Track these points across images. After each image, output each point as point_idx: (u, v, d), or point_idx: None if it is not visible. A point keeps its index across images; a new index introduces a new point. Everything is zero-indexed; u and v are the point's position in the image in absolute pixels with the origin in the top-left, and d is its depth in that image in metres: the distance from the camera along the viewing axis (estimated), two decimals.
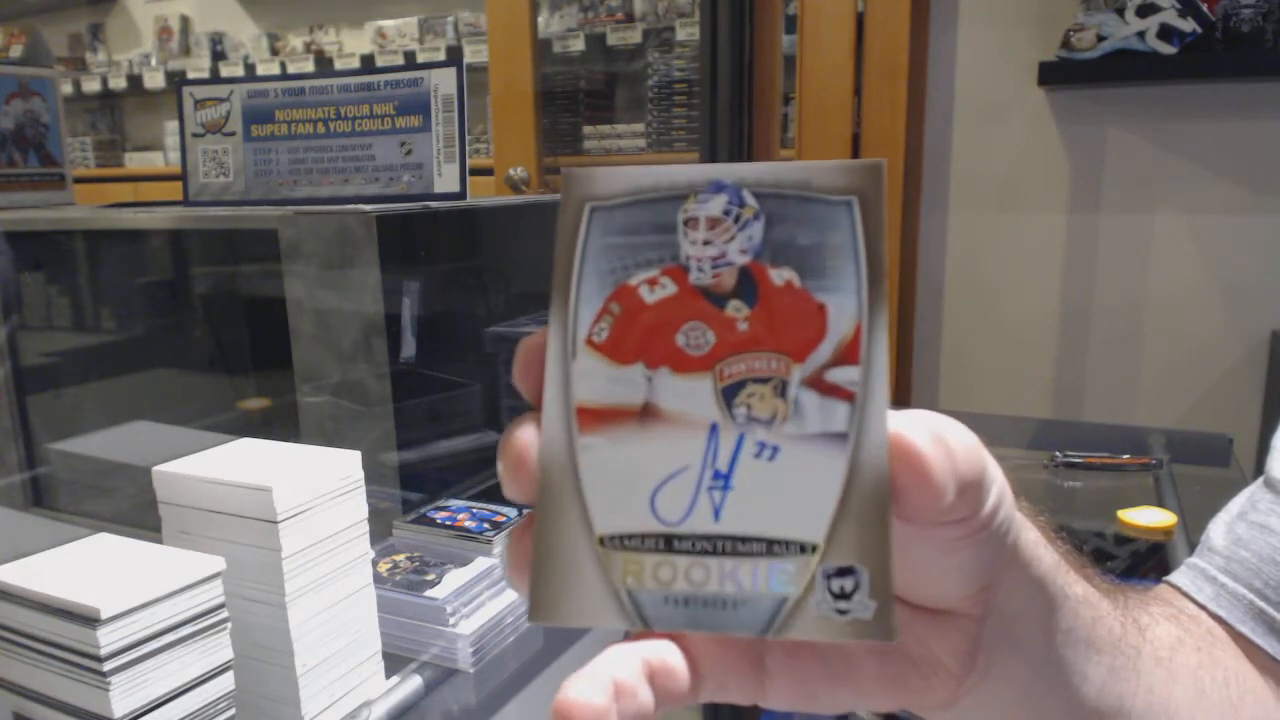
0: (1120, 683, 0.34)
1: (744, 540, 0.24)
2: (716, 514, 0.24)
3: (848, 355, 0.24)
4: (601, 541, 0.24)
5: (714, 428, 0.24)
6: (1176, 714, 0.37)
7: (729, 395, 0.24)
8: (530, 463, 0.24)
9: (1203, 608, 0.46)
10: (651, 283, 0.25)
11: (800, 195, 0.25)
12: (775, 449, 0.24)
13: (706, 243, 0.25)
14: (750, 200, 0.25)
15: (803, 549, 0.23)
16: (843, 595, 0.23)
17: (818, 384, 0.24)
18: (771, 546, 0.23)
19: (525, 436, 0.24)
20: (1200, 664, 0.41)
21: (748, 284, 0.25)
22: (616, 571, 0.24)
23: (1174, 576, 0.49)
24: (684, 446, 0.24)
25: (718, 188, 0.25)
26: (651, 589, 0.24)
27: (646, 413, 0.24)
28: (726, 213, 0.25)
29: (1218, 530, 0.49)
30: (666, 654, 0.26)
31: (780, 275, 0.24)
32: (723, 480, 0.24)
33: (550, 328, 0.25)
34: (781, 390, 0.24)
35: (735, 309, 0.24)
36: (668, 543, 0.24)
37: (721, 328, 0.24)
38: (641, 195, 0.25)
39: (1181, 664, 0.39)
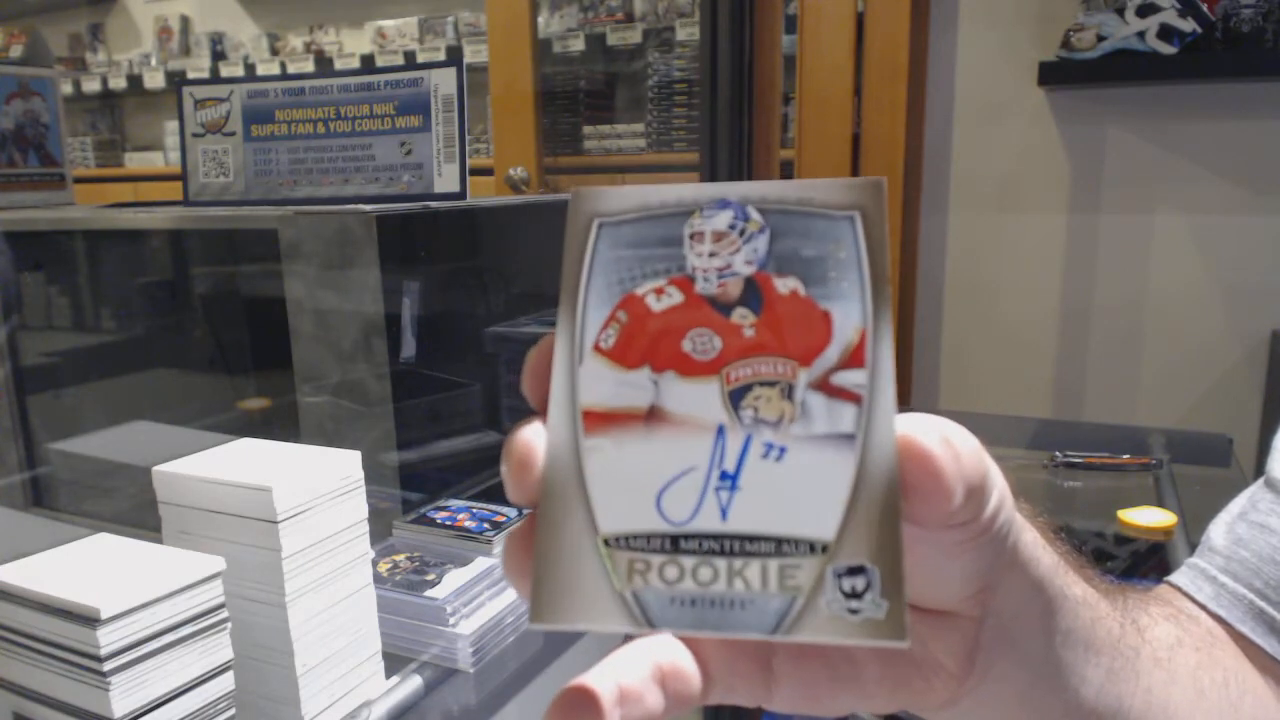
0: (1119, 683, 0.34)
1: (752, 539, 0.23)
2: (724, 513, 0.24)
3: (853, 359, 0.24)
4: (606, 542, 0.24)
5: (721, 429, 0.24)
6: (1175, 714, 0.37)
7: (736, 398, 0.24)
8: (535, 464, 0.24)
9: (1203, 607, 0.46)
10: (658, 292, 0.25)
11: (804, 211, 0.25)
12: (783, 449, 0.24)
13: (712, 255, 0.25)
14: (755, 215, 0.25)
15: (812, 548, 0.23)
16: (854, 595, 0.23)
17: (824, 387, 0.24)
18: (780, 545, 0.23)
19: (530, 438, 0.24)
20: (1199, 664, 0.41)
21: (753, 293, 0.25)
22: (621, 572, 0.24)
23: (1174, 576, 0.49)
24: (691, 448, 0.24)
25: (723, 204, 0.25)
26: (657, 589, 0.23)
27: (653, 415, 0.24)
28: (732, 227, 0.25)
29: (1218, 530, 0.50)
30: (678, 657, 0.25)
31: (785, 284, 0.25)
32: (730, 481, 0.24)
33: (558, 335, 0.25)
34: (788, 393, 0.24)
35: (741, 316, 0.25)
36: (674, 543, 0.24)
37: (728, 334, 0.25)
38: (648, 211, 0.26)
39: (1181, 664, 0.39)
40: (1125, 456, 1.30)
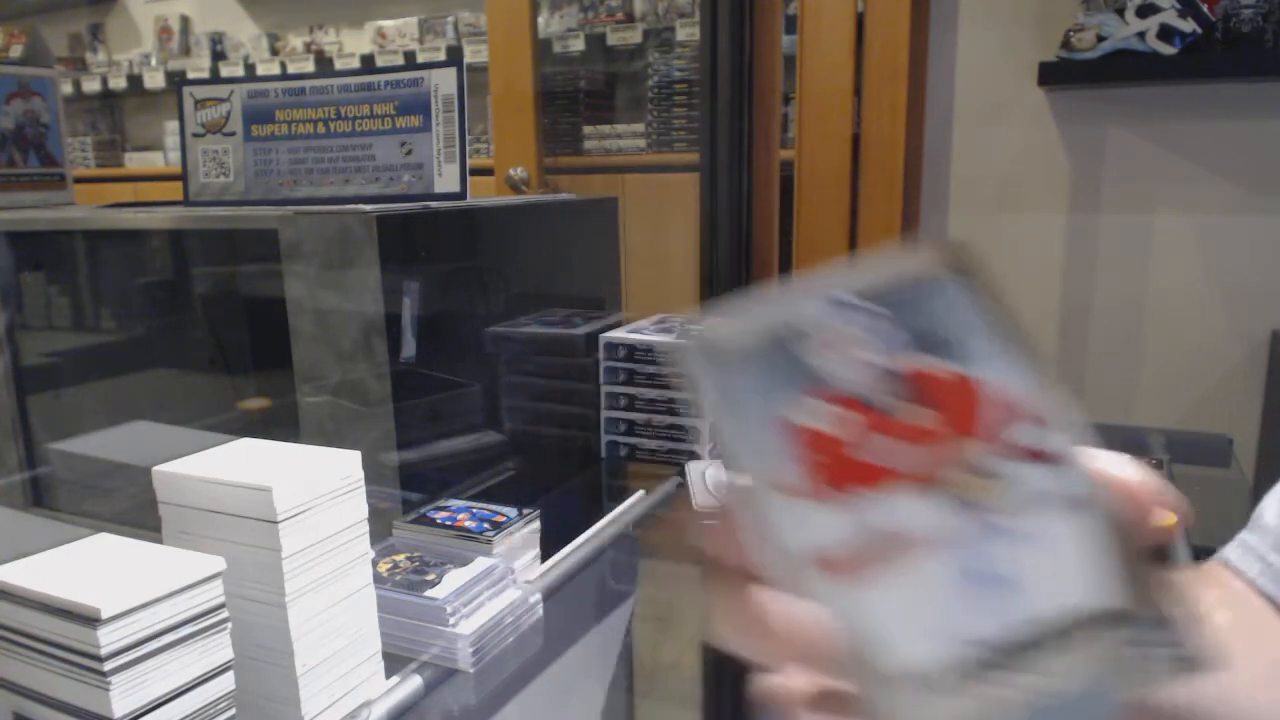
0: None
1: (1045, 634, 0.23)
2: (1001, 614, 0.23)
3: (1028, 417, 0.24)
4: (910, 683, 0.22)
5: (950, 531, 0.23)
6: (1234, 700, 0.38)
7: (943, 494, 0.23)
8: (816, 640, 0.23)
9: (1251, 584, 0.48)
10: (815, 412, 0.24)
11: (912, 287, 0.24)
12: (1015, 530, 0.23)
13: (849, 357, 0.24)
14: (870, 306, 0.24)
15: (1101, 617, 0.23)
16: (1156, 643, 0.22)
17: (1015, 453, 0.24)
18: (1072, 626, 0.23)
19: (783, 607, 0.24)
20: (1250, 649, 0.42)
21: (904, 383, 0.24)
22: (940, 710, 0.22)
23: (1225, 551, 0.50)
24: (936, 561, 0.23)
25: (836, 303, 0.24)
26: (979, 710, 0.22)
27: (879, 541, 0.23)
28: (855, 324, 0.24)
29: (1270, 507, 0.51)
30: None
31: (928, 364, 0.24)
32: (987, 578, 0.23)
33: (738, 491, 0.24)
34: (986, 471, 0.23)
35: (905, 411, 0.24)
36: (976, 662, 0.23)
37: (902, 433, 0.24)
38: (768, 333, 0.24)
39: (1237, 653, 0.40)
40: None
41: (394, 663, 0.74)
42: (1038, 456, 0.23)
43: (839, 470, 0.23)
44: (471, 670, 0.77)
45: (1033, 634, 0.23)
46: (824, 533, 0.23)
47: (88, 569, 0.59)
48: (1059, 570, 0.23)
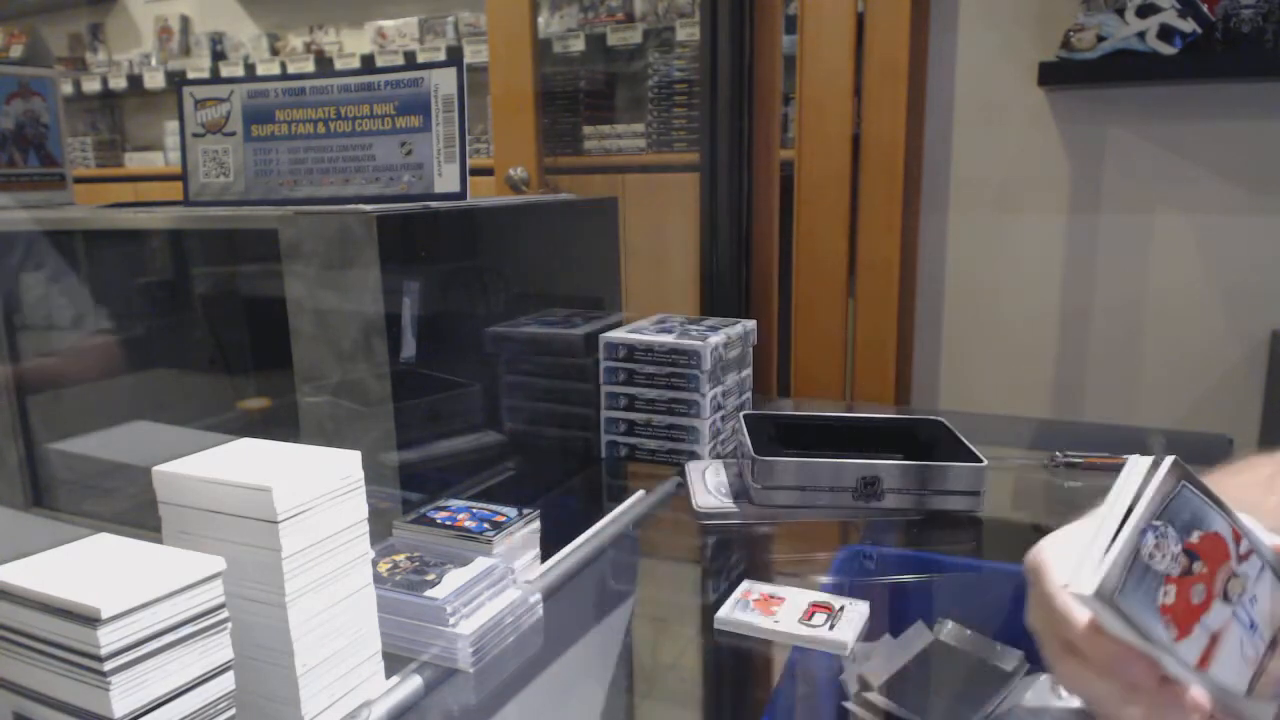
0: None
1: (1271, 641, 0.52)
2: (1255, 642, 0.51)
3: (1238, 539, 0.50)
4: (1244, 704, 0.51)
5: (1235, 613, 0.50)
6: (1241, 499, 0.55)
7: (1226, 595, 0.50)
8: (1204, 702, 0.49)
9: None
10: (1169, 593, 0.48)
11: (1170, 500, 0.48)
12: (1254, 596, 0.51)
13: (1167, 554, 0.48)
14: (1161, 523, 0.48)
15: None
16: None
17: (1241, 559, 0.50)
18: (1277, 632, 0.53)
19: (1192, 693, 0.48)
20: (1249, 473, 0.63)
21: (1190, 554, 0.48)
22: (1260, 707, 0.52)
23: None
24: (1233, 635, 0.50)
25: (1151, 530, 0.47)
26: (1264, 693, 0.52)
27: (1213, 641, 0.49)
28: (1161, 536, 0.48)
29: None
30: None
31: (1195, 536, 0.49)
32: (1248, 629, 0.51)
33: (1151, 652, 0.48)
34: (1236, 575, 0.50)
35: (1198, 568, 0.49)
36: (1255, 671, 0.51)
37: (1201, 579, 0.49)
38: (1129, 565, 0.47)
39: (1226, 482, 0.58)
40: (1125, 456, 1.30)
41: (394, 663, 0.74)
42: (1249, 555, 0.51)
43: (1187, 617, 0.48)
44: (471, 670, 0.77)
45: (1266, 644, 0.52)
46: (1192, 652, 0.48)
47: (88, 569, 0.59)
48: (1267, 606, 0.51)
